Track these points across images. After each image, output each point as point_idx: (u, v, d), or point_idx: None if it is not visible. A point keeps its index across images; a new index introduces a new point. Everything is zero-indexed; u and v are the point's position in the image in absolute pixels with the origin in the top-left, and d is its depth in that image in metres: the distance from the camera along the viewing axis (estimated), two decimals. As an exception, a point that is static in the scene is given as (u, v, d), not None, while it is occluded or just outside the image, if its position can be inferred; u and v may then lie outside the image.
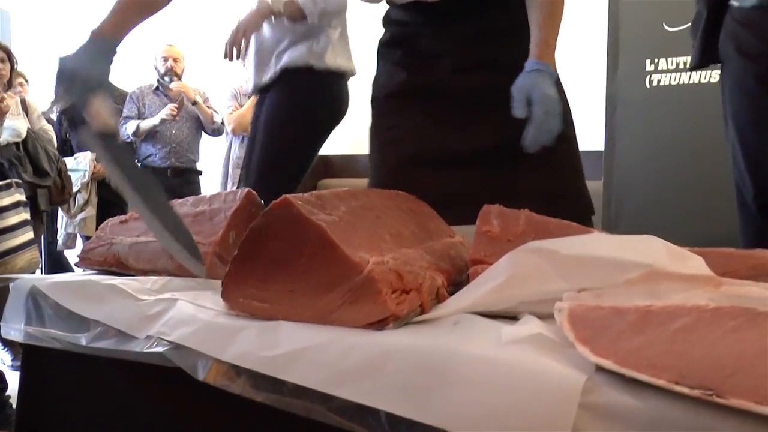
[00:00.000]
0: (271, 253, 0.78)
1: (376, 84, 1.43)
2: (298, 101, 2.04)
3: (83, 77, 1.03)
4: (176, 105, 3.93)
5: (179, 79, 4.05)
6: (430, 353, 0.63)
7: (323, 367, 0.67)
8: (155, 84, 4.05)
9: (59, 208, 3.91)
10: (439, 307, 0.79)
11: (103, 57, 1.06)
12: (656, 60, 2.28)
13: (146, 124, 3.97)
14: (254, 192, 1.11)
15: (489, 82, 1.28)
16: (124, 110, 4.12)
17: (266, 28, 2.09)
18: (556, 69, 1.19)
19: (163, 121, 3.91)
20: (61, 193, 3.49)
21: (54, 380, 1.04)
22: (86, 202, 4.00)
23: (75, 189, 3.84)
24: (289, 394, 0.69)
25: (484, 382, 0.59)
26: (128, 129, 4.06)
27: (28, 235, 2.94)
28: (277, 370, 0.70)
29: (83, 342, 0.89)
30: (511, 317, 0.76)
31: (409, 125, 1.33)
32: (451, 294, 0.82)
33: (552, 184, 1.26)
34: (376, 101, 1.42)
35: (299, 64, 2.02)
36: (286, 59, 2.06)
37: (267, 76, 2.10)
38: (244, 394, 0.72)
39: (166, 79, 3.99)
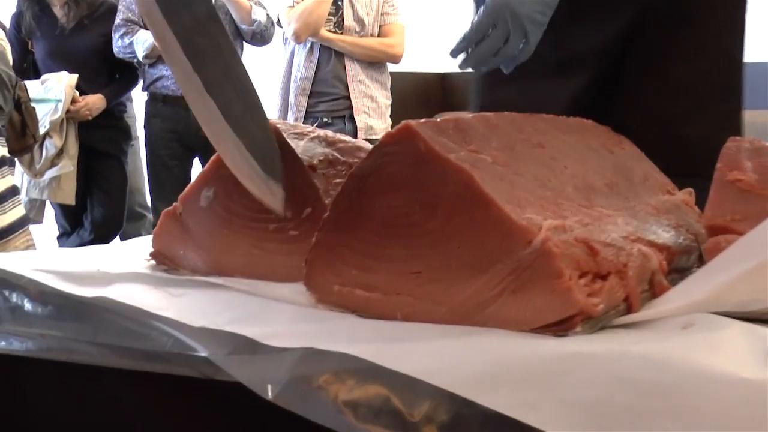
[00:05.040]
0: (384, 214, 0.82)
1: None
2: None
3: None
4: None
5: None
6: (643, 363, 0.65)
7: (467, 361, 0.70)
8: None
9: (17, 160, 4.06)
10: (655, 303, 0.81)
11: None
12: None
13: None
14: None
15: None
16: (120, 10, 4.25)
17: None
18: None
19: None
20: (21, 136, 3.63)
21: (34, 402, 1.13)
22: (60, 153, 4.16)
23: (42, 130, 4.00)
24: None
25: (738, 415, 0.60)
26: (137, 44, 4.18)
27: (19, 210, 3.09)
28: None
29: (90, 338, 0.96)
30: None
31: None
32: (674, 283, 0.84)
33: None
34: None
35: None
36: None
37: None
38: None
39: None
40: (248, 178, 0.92)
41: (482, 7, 1.44)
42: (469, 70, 1.52)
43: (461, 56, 1.48)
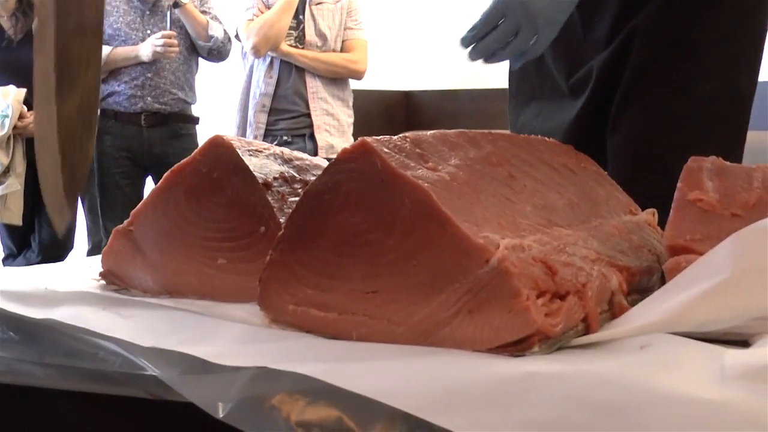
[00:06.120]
0: (339, 232, 0.84)
1: None
2: None
3: None
4: (170, 33, 4.01)
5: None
6: (599, 383, 0.66)
7: (422, 381, 0.72)
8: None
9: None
10: (614, 324, 0.83)
11: None
12: None
13: (122, 53, 4.08)
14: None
15: None
16: None
17: None
18: None
19: (154, 55, 4.00)
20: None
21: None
22: (6, 171, 4.12)
23: (-12, 147, 3.97)
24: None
25: (692, 432, 0.62)
26: None
27: None
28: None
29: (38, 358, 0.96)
30: (739, 341, 0.79)
31: None
32: (634, 303, 0.86)
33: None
34: None
35: None
36: None
37: None
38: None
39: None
40: (49, 192, 0.94)
41: None
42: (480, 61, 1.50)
43: (470, 47, 1.47)
